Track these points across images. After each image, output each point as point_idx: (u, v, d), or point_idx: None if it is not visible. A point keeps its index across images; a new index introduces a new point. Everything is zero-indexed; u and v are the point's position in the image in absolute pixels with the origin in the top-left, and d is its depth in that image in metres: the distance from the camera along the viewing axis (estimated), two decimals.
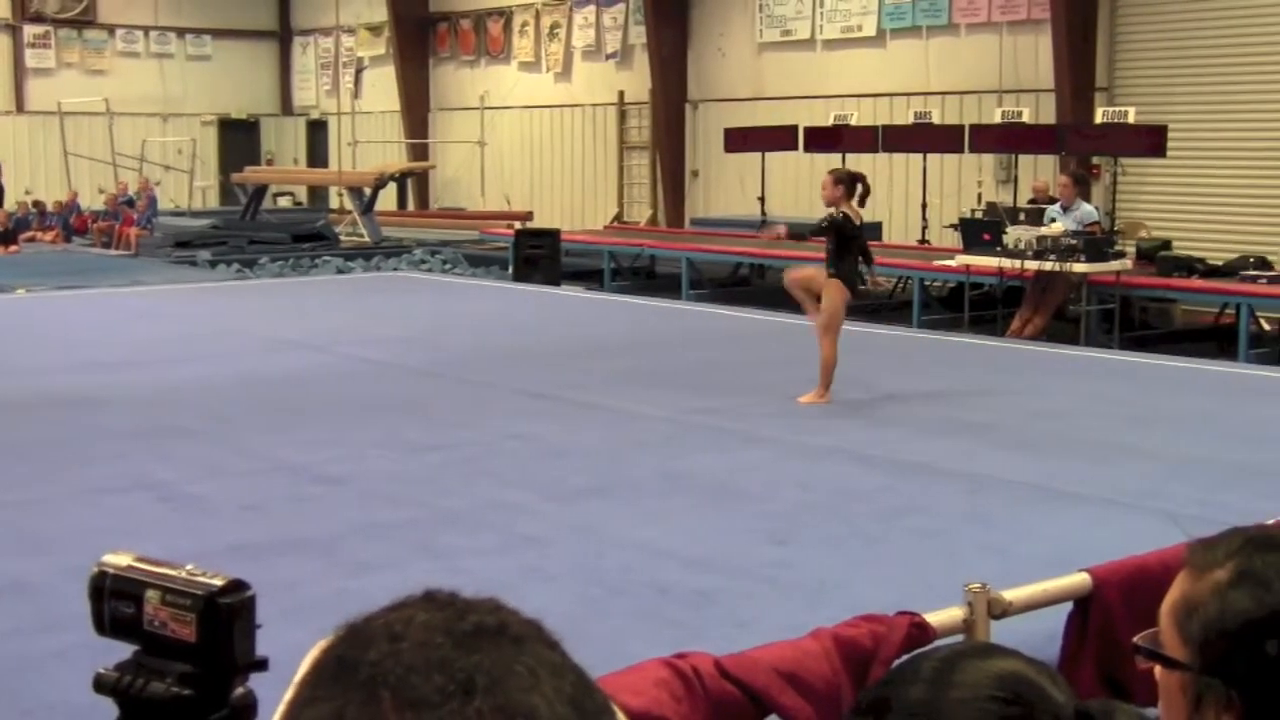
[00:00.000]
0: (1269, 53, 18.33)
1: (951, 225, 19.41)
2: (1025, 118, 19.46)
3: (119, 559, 1.38)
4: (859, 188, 11.34)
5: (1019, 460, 9.35)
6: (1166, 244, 17.55)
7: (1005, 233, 15.93)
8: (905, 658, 1.36)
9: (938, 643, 3.83)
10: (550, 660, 0.93)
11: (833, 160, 21.95)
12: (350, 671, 0.92)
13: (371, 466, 9.30)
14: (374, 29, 33.32)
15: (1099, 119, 18.42)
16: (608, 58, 28.20)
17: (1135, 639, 1.65)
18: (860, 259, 11.48)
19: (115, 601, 1.35)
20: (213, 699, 1.32)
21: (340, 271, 23.06)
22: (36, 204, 29.05)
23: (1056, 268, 15.37)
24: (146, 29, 34.62)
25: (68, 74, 33.30)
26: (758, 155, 22.73)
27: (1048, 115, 20.00)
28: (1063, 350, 14.55)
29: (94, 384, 12.13)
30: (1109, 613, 4.45)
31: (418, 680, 0.89)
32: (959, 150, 19.71)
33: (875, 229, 21.95)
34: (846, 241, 11.23)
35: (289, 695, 0.95)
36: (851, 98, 22.97)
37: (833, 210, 11.25)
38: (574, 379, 12.36)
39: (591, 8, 28.30)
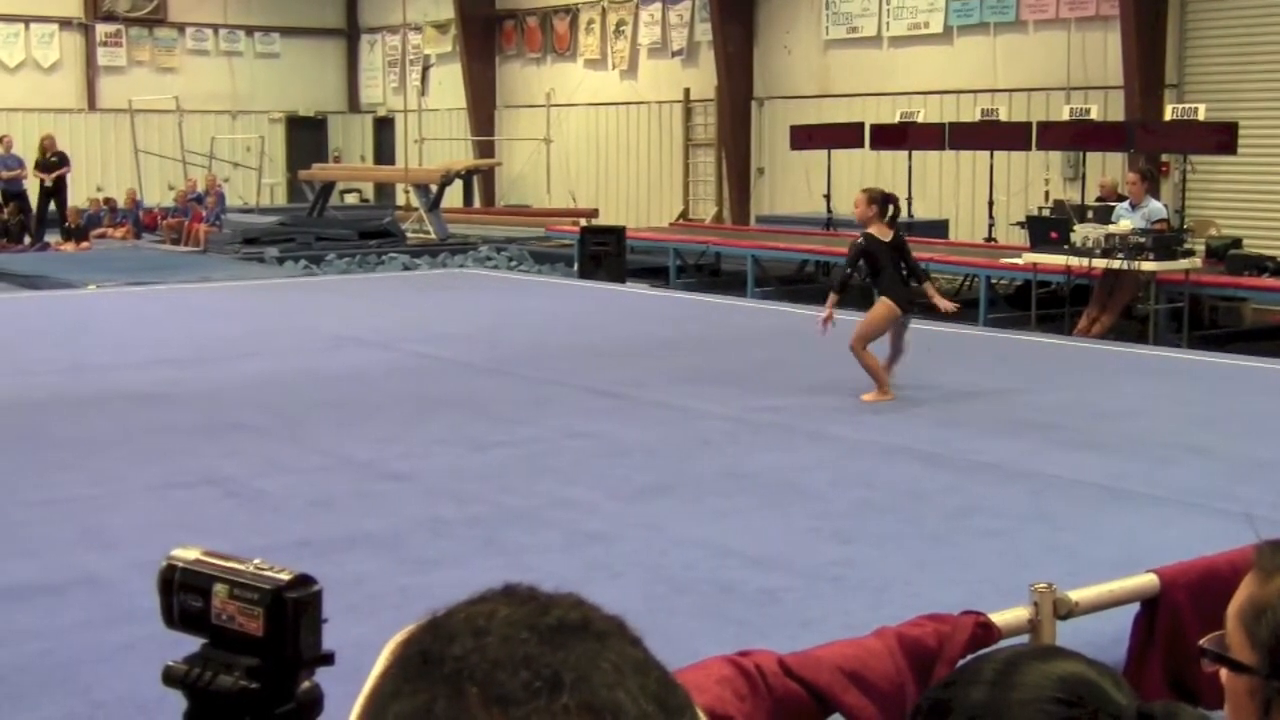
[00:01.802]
0: None
1: (1018, 223, 19.29)
2: (1093, 115, 19.30)
3: (187, 553, 1.39)
4: (890, 208, 11.39)
5: (1086, 460, 9.27)
6: (1237, 242, 17.36)
7: (1073, 231, 15.81)
8: (967, 659, 1.36)
9: (1003, 643, 3.81)
10: (634, 657, 0.93)
11: (899, 158, 21.95)
12: (435, 665, 0.92)
13: (436, 463, 9.34)
14: (441, 26, 33.46)
15: (1168, 116, 18.25)
16: (673, 55, 28.19)
17: (1202, 641, 1.64)
18: (907, 274, 11.40)
19: (184, 595, 1.37)
20: (279, 693, 1.33)
21: (406, 268, 23.16)
22: (108, 201, 29.36)
23: (1124, 266, 15.24)
24: (216, 27, 34.91)
25: (138, 72, 33.62)
26: (823, 153, 22.67)
27: (1116, 112, 19.84)
28: (1131, 349, 14.42)
29: (162, 380, 12.25)
30: (1177, 614, 4.41)
31: (504, 676, 0.90)
32: (1026, 148, 19.59)
33: (942, 226, 21.93)
34: (876, 262, 11.22)
35: (370, 687, 0.96)
36: (918, 95, 22.86)
37: (858, 237, 11.26)
38: (638, 377, 12.37)
39: (658, 5, 28.30)
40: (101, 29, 33.38)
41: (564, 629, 0.93)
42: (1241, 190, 19.07)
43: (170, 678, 1.36)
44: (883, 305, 11.27)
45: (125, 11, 33.51)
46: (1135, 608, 4.52)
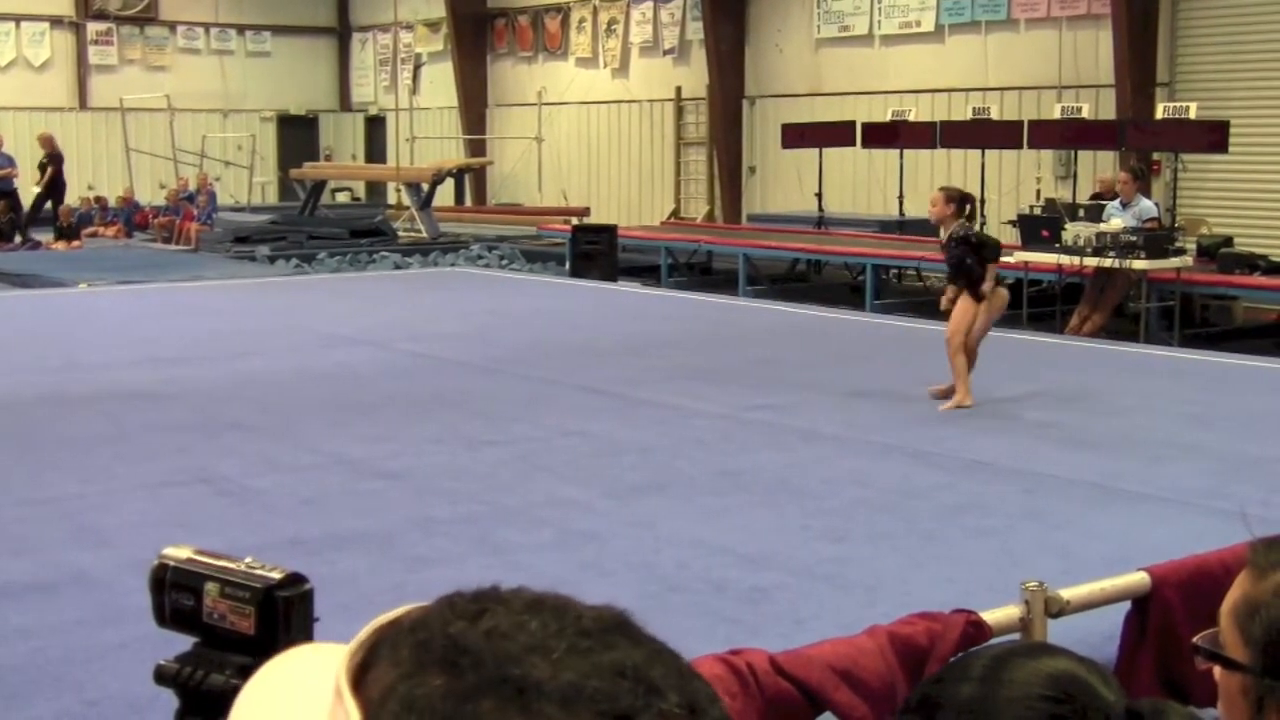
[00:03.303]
0: None
1: (1010, 222, 19.28)
2: (1085, 113, 19.32)
3: (179, 552, 1.39)
4: (968, 207, 11.31)
5: (1078, 458, 9.28)
6: (1228, 240, 17.39)
7: (1064, 229, 15.83)
8: (956, 657, 1.36)
9: (991, 642, 3.81)
10: (659, 647, 0.91)
11: (891, 156, 21.96)
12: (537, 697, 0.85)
13: (429, 462, 9.33)
14: (432, 25, 33.44)
15: (1160, 115, 18.27)
16: (665, 54, 28.19)
17: (1195, 639, 1.64)
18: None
19: (175, 594, 1.37)
20: None
21: (398, 267, 23.15)
22: (99, 199, 29.32)
23: (1116, 264, 15.26)
24: (207, 26, 34.88)
25: (130, 70, 33.59)
26: (815, 151, 22.68)
27: (1107, 111, 19.86)
28: (1122, 348, 14.44)
29: (154, 378, 12.24)
30: (1168, 612, 4.42)
31: (613, 691, 0.85)
32: (1018, 146, 19.61)
33: (934, 225, 21.90)
34: (977, 254, 11.13)
35: (389, 676, 0.90)
36: (910, 94, 22.86)
37: (954, 228, 11.15)
38: (631, 375, 12.37)
39: (649, 4, 28.30)
40: (92, 27, 33.34)
41: (608, 629, 0.89)
42: (1233, 189, 19.09)
43: (162, 676, 1.36)
44: (971, 307, 11.09)
45: (116, 10, 33.46)
46: (1126, 606, 4.53)
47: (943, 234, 11.34)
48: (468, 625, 0.88)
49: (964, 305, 11.07)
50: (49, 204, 27.02)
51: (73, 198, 28.43)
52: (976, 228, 11.26)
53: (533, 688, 0.84)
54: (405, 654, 0.88)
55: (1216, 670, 1.61)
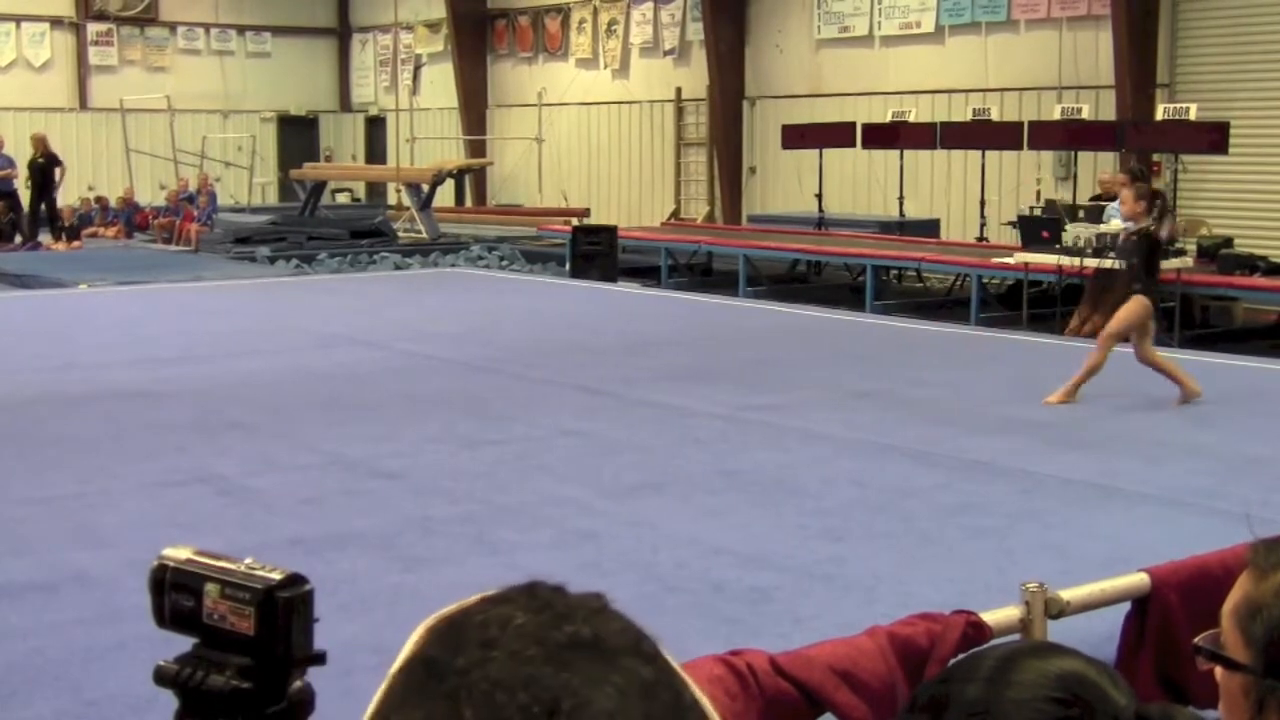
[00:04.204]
0: None
1: (1010, 222, 19.31)
2: (1085, 114, 19.32)
3: (179, 552, 1.39)
4: (1159, 204, 11.27)
5: (1077, 459, 9.28)
6: (1228, 241, 17.38)
7: (1064, 230, 15.82)
8: (963, 656, 1.35)
9: (994, 642, 3.81)
10: (642, 679, 0.90)
11: (891, 157, 21.97)
12: (437, 679, 0.90)
13: (428, 461, 9.33)
14: (432, 26, 33.44)
15: (1160, 116, 18.28)
16: (665, 54, 28.19)
17: (1196, 640, 1.64)
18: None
19: (175, 594, 1.36)
20: (271, 692, 1.33)
21: (398, 267, 23.15)
22: (99, 200, 29.31)
23: (1116, 265, 15.24)
24: (207, 26, 34.87)
25: (130, 71, 33.59)
26: (815, 152, 22.68)
27: (1107, 112, 19.86)
28: (1122, 348, 14.41)
29: (154, 378, 12.24)
30: (1167, 613, 4.42)
31: (503, 698, 0.87)
32: (1018, 147, 19.62)
33: (934, 226, 21.97)
34: (1154, 256, 11.11)
35: (383, 688, 0.94)
36: (910, 94, 22.87)
37: (1142, 225, 11.11)
38: (630, 375, 12.37)
39: (649, 4, 28.30)
40: (93, 28, 33.34)
41: (574, 646, 0.90)
42: (1233, 190, 19.09)
43: (162, 677, 1.36)
44: (1139, 303, 11.04)
45: (116, 10, 33.46)
46: (1126, 607, 4.52)
47: (1131, 226, 11.28)
48: (469, 615, 0.93)
49: (1144, 308, 11.02)
50: (43, 206, 26.99)
51: (72, 198, 28.43)
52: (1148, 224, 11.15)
53: (454, 674, 0.89)
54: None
55: (1217, 671, 1.61)
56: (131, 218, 28.76)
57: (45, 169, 26.65)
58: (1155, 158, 19.22)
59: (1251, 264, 16.23)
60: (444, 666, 0.90)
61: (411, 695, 0.91)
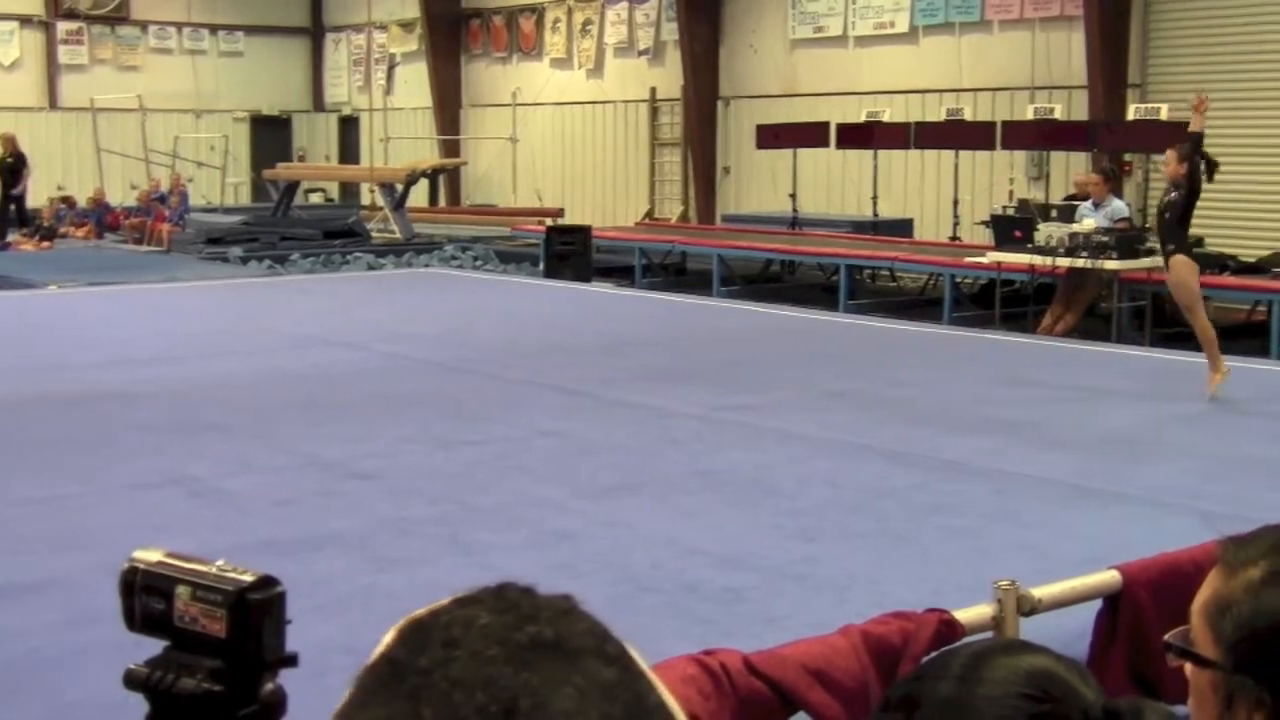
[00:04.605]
0: None
1: (983, 222, 19.36)
2: (1057, 114, 19.40)
3: (150, 555, 1.38)
4: (1201, 161, 11.31)
5: (1051, 458, 9.31)
6: (1199, 241, 17.42)
7: (1037, 230, 15.87)
8: (934, 654, 1.36)
9: (966, 640, 3.82)
10: (603, 679, 0.90)
11: (865, 157, 22.00)
12: (399, 679, 0.90)
13: (403, 462, 9.32)
14: (406, 25, 33.38)
15: (1131, 116, 18.36)
16: (640, 54, 28.19)
17: (1167, 637, 1.65)
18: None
19: (146, 597, 1.36)
20: (242, 695, 1.33)
21: (371, 268, 23.10)
22: (65, 200, 29.15)
23: (1088, 265, 15.32)
24: (179, 25, 34.76)
25: (101, 70, 33.45)
26: (789, 152, 22.71)
27: (1080, 112, 19.93)
28: (1094, 347, 14.49)
29: (126, 380, 12.19)
30: (1138, 610, 4.44)
31: (461, 698, 0.88)
32: (991, 147, 19.68)
33: (907, 225, 22.02)
34: (1189, 210, 11.18)
35: (350, 688, 0.94)
36: (884, 94, 22.91)
37: (1183, 187, 11.24)
38: (605, 375, 12.37)
39: (624, 4, 28.30)
40: (63, 26, 33.19)
41: (535, 646, 0.90)
42: (1203, 189, 19.12)
43: (132, 681, 1.35)
44: (1183, 265, 11.17)
45: (87, 9, 33.32)
46: (1098, 604, 4.54)
47: (1174, 194, 11.31)
48: (436, 615, 0.94)
49: (1189, 266, 11.06)
50: (12, 206, 26.85)
51: (41, 199, 28.29)
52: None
53: (415, 674, 0.90)
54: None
55: (1187, 667, 1.62)
56: (102, 218, 28.63)
57: (14, 169, 26.51)
58: (1127, 157, 19.29)
59: (1222, 263, 16.32)
60: (407, 666, 0.91)
61: (374, 695, 0.91)
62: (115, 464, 9.22)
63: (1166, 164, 11.43)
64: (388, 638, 0.95)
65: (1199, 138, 11.33)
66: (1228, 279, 15.99)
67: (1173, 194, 11.35)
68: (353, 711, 0.92)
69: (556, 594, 0.96)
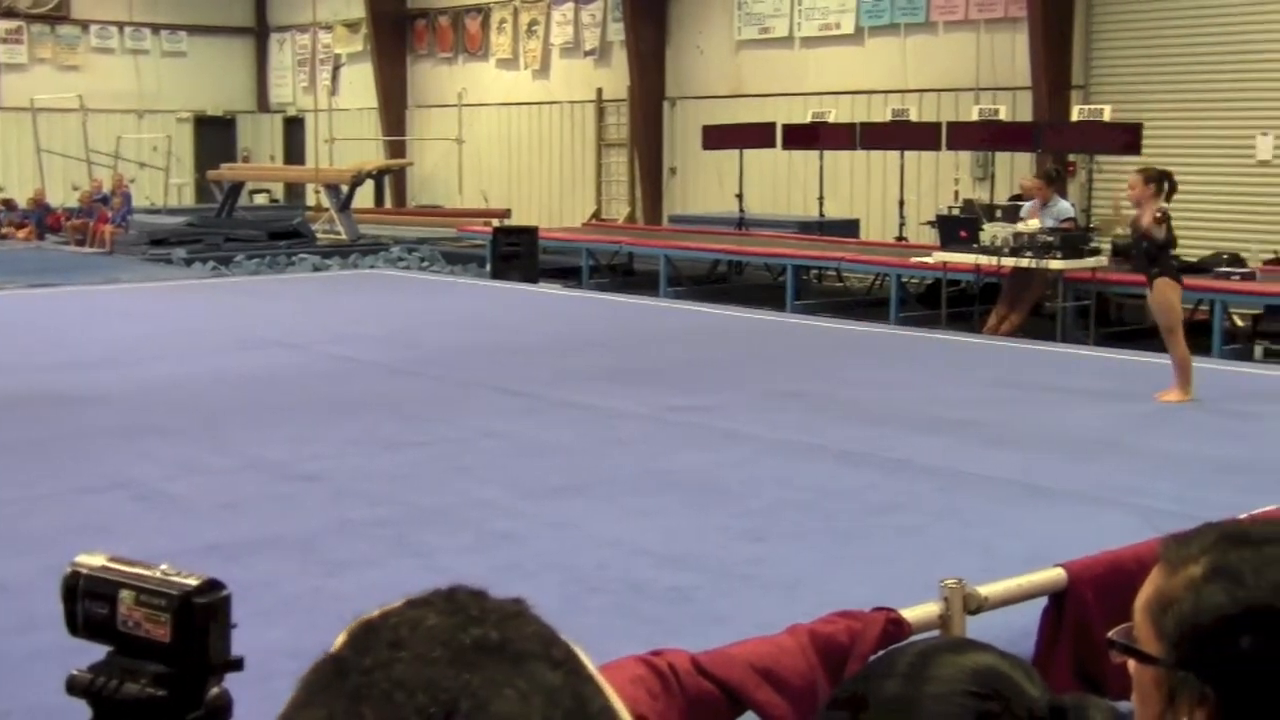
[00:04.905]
0: (1241, 51, 18.38)
1: (929, 222, 19.45)
2: (1002, 115, 19.51)
3: (92, 559, 1.37)
4: (1167, 185, 11.26)
5: (997, 456, 9.37)
6: None
7: (982, 230, 15.97)
8: (881, 653, 1.36)
9: (913, 638, 3.84)
10: (547, 683, 0.90)
11: (811, 158, 22.06)
12: (342, 679, 0.90)
13: (348, 464, 9.28)
14: (351, 25, 33.25)
15: (1075, 117, 18.49)
16: (586, 55, 28.18)
17: (1110, 634, 1.66)
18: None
19: (89, 602, 1.35)
20: (187, 700, 1.32)
21: (317, 269, 23.00)
22: (6, 201, 28.85)
23: (1033, 264, 15.41)
24: (121, 25, 34.49)
25: (41, 70, 33.15)
26: (736, 153, 22.74)
27: (1024, 113, 20.05)
28: (1039, 347, 14.58)
29: (69, 383, 12.08)
30: (1083, 608, 4.47)
31: (401, 698, 0.88)
32: (936, 148, 19.76)
33: (853, 226, 22.08)
34: (1162, 244, 11.11)
35: (296, 687, 0.94)
36: (829, 95, 22.98)
37: (1142, 220, 11.15)
38: (551, 376, 12.35)
39: (570, 5, 28.28)
40: (1, 25, 32.87)
41: (479, 648, 0.90)
42: None
43: (74, 687, 1.34)
44: (1166, 285, 11.08)
45: (26, 8, 33.02)
46: (1044, 601, 4.57)
47: (1145, 220, 11.20)
48: (386, 616, 0.94)
49: (1172, 288, 11.03)
50: None
51: None
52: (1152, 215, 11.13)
53: (358, 674, 0.90)
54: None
55: (1131, 664, 1.63)
56: (43, 219, 28.37)
57: None
58: (1071, 158, 19.43)
59: None
60: (351, 666, 0.91)
61: (317, 694, 0.91)
62: (57, 467, 9.14)
63: (1131, 187, 11.40)
64: (339, 638, 0.95)
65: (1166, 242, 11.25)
66: None
67: (1144, 221, 11.27)
68: (295, 711, 0.91)
69: (507, 598, 0.96)
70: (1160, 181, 11.25)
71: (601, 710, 0.92)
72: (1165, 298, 11.10)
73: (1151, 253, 11.12)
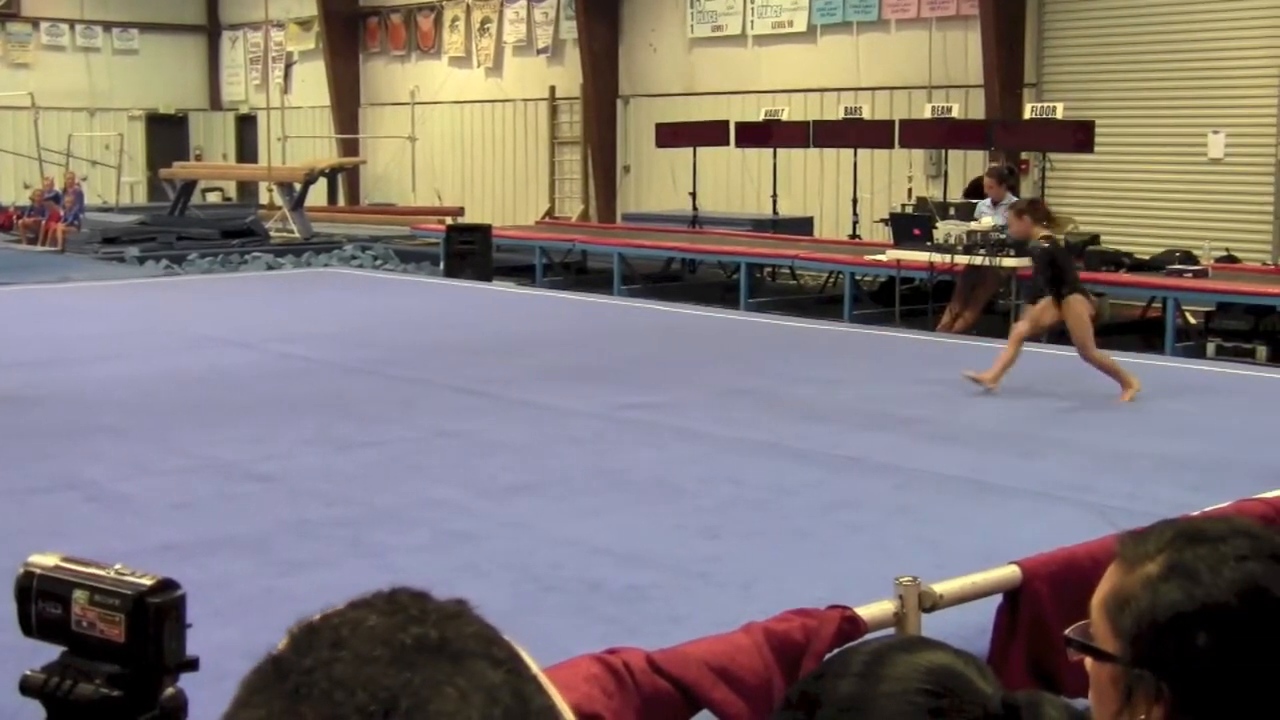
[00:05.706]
0: (1192, 49, 18.54)
1: (882, 220, 19.52)
2: (955, 113, 19.60)
3: (46, 559, 1.36)
4: (1041, 209, 11.37)
5: (950, 454, 9.40)
6: (1094, 238, 17.71)
7: (935, 228, 16.03)
8: (835, 652, 1.37)
9: (869, 636, 3.85)
10: (488, 681, 0.90)
11: (764, 156, 22.10)
12: (282, 679, 0.90)
13: (302, 464, 9.24)
14: (304, 23, 33.12)
15: (1027, 115, 18.59)
16: (539, 53, 28.15)
17: (1067, 631, 1.67)
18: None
19: (42, 602, 1.34)
20: (142, 700, 1.31)
21: (270, 267, 22.89)
22: None
23: (986, 262, 15.49)
24: (72, 22, 34.25)
25: None
26: (689, 151, 22.76)
27: (977, 111, 20.16)
28: (992, 344, 14.63)
29: (20, 382, 11.98)
30: (1038, 605, 4.49)
31: (341, 697, 0.88)
32: (889, 146, 19.83)
33: (807, 224, 22.15)
34: (1063, 266, 11.18)
35: (237, 690, 0.94)
36: (783, 93, 23.04)
37: (1038, 242, 11.21)
38: (505, 375, 12.33)
39: (523, 3, 28.25)
40: None
41: (419, 648, 0.91)
42: (1099, 187, 19.45)
43: (28, 687, 1.33)
44: (1077, 303, 11.12)
45: None
46: (998, 599, 4.59)
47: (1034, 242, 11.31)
48: (327, 617, 0.95)
49: (1081, 310, 11.09)
50: None
51: None
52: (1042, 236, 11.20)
53: (298, 673, 0.90)
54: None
55: (1087, 661, 1.63)
56: None
57: None
58: (1024, 156, 19.54)
59: (1117, 260, 16.56)
60: (291, 666, 0.91)
61: (257, 694, 0.91)
62: (9, 468, 9.06)
63: (1010, 223, 11.51)
64: (281, 640, 0.95)
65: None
66: (1123, 276, 16.23)
67: (1043, 247, 11.36)
68: (236, 710, 0.91)
69: (449, 598, 0.96)
70: (1032, 211, 11.40)
71: (543, 709, 0.92)
72: (1077, 315, 11.18)
73: (1056, 274, 11.22)
